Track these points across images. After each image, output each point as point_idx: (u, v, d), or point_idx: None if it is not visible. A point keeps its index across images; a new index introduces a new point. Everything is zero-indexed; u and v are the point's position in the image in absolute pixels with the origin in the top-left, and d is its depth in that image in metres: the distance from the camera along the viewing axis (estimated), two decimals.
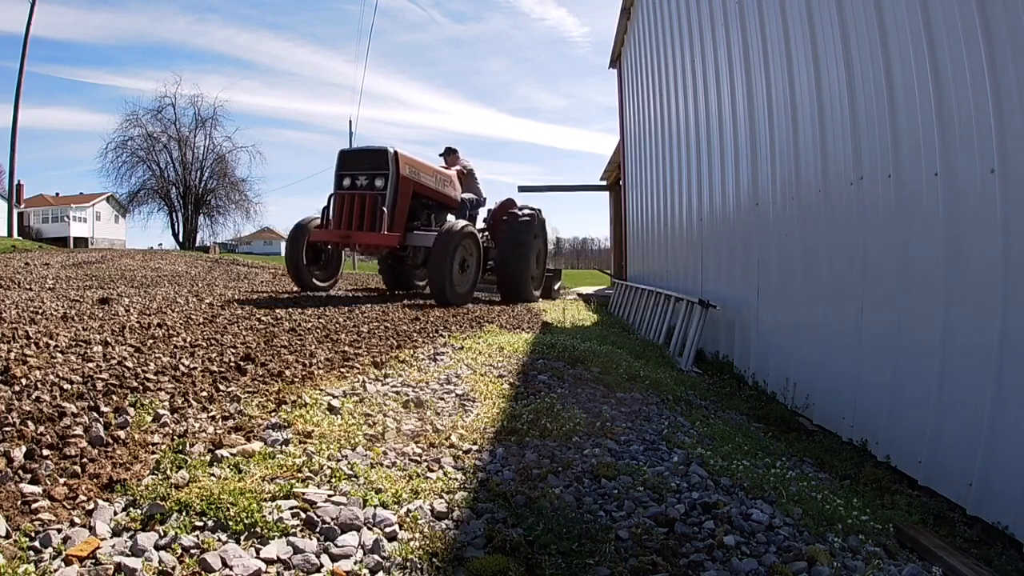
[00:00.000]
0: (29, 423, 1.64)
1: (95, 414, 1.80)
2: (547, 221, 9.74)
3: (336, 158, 7.17)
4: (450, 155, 9.10)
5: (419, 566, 1.28)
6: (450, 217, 8.34)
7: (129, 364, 2.36)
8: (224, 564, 1.19)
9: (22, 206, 31.29)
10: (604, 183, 17.28)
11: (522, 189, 20.08)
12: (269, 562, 1.23)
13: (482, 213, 9.18)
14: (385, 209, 6.68)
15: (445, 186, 8.06)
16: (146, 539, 1.23)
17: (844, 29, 3.42)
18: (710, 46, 6.04)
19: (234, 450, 1.69)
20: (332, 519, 1.39)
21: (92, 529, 1.26)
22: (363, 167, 6.93)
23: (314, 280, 7.53)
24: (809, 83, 3.86)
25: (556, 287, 11.81)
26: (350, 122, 71.71)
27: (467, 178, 8.83)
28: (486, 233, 9.15)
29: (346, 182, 6.93)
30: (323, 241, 7.13)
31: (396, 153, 6.93)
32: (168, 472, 1.52)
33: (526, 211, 9.05)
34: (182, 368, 2.43)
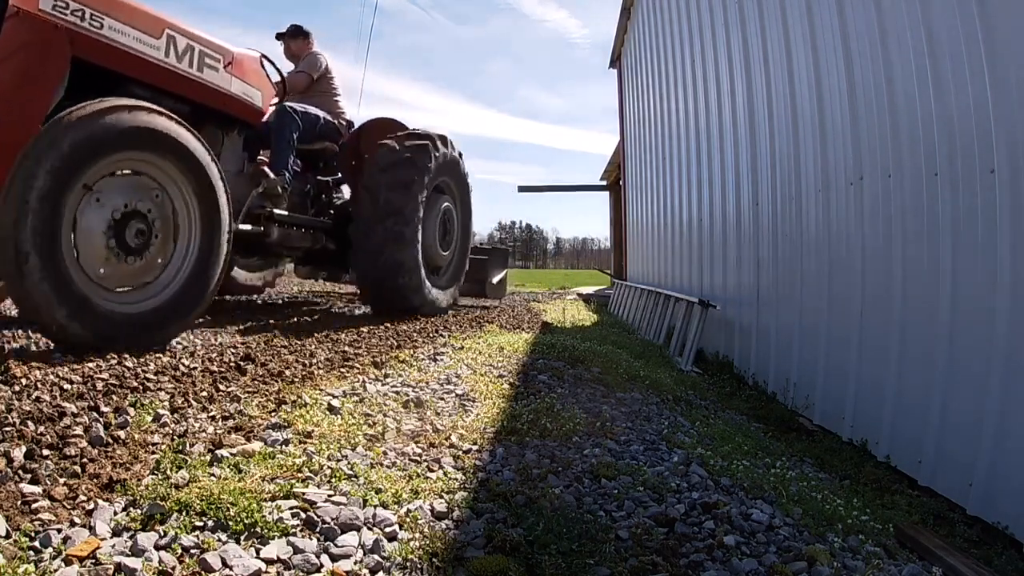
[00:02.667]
0: (29, 423, 1.64)
1: (95, 414, 1.80)
2: (466, 163, 5.38)
3: None
4: (294, 38, 4.89)
5: (419, 566, 1.28)
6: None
7: (129, 364, 2.36)
8: (224, 564, 1.19)
9: None
10: (604, 183, 17.31)
11: (522, 189, 20.23)
12: (269, 562, 1.23)
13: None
14: None
15: (204, 67, 3.28)
16: (146, 539, 1.23)
17: (844, 28, 3.42)
18: (710, 46, 6.04)
19: (234, 450, 1.69)
20: (332, 519, 1.39)
21: (92, 529, 1.26)
22: None
23: None
24: (809, 83, 3.86)
25: (496, 279, 6.89)
26: None
27: (312, 85, 4.68)
28: (346, 194, 5.32)
29: None
30: None
31: None
32: (168, 472, 1.52)
33: (415, 137, 4.78)
34: (182, 368, 2.43)
